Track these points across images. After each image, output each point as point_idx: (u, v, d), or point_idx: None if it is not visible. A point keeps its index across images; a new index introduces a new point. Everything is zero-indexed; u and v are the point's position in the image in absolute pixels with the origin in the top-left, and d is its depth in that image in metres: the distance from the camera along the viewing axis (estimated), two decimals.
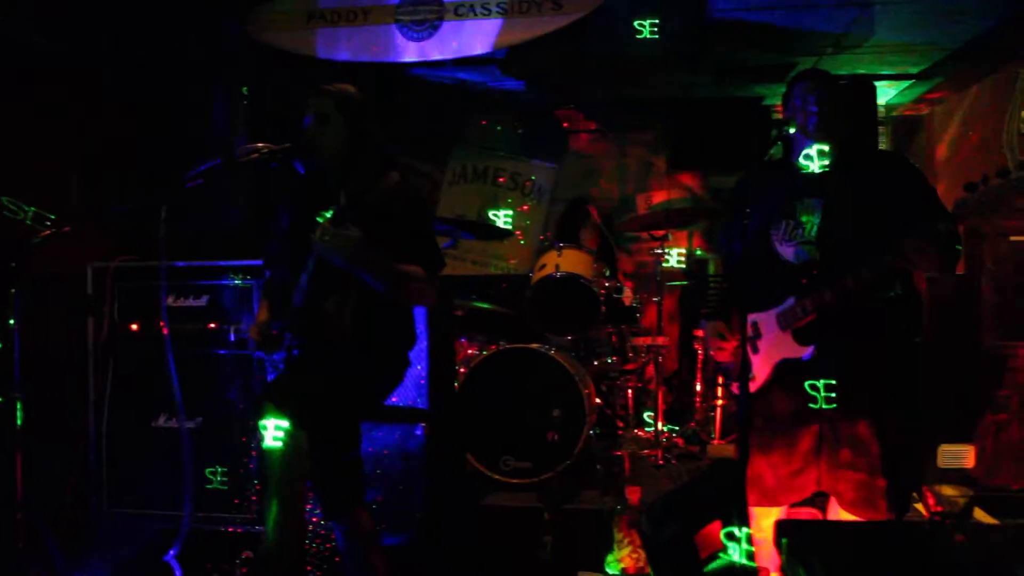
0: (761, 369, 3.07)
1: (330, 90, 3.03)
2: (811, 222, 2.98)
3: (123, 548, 4.00)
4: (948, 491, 1.97)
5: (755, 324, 3.09)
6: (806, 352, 2.95)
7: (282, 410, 2.88)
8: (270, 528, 2.96)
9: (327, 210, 2.87)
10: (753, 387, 3.06)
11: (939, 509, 1.93)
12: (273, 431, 2.88)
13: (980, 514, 4.17)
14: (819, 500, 3.58)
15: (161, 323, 3.99)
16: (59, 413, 4.20)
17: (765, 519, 3.10)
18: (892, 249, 2.72)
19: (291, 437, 2.87)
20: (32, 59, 4.58)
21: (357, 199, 2.95)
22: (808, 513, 3.82)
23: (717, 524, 2.36)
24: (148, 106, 5.05)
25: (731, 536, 2.38)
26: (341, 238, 2.80)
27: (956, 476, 4.45)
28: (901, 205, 2.87)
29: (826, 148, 2.99)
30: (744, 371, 2.69)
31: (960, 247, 2.81)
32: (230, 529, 4.06)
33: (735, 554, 2.35)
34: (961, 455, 4.51)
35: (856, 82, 5.38)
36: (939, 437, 4.53)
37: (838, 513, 3.03)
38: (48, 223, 3.53)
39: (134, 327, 4.20)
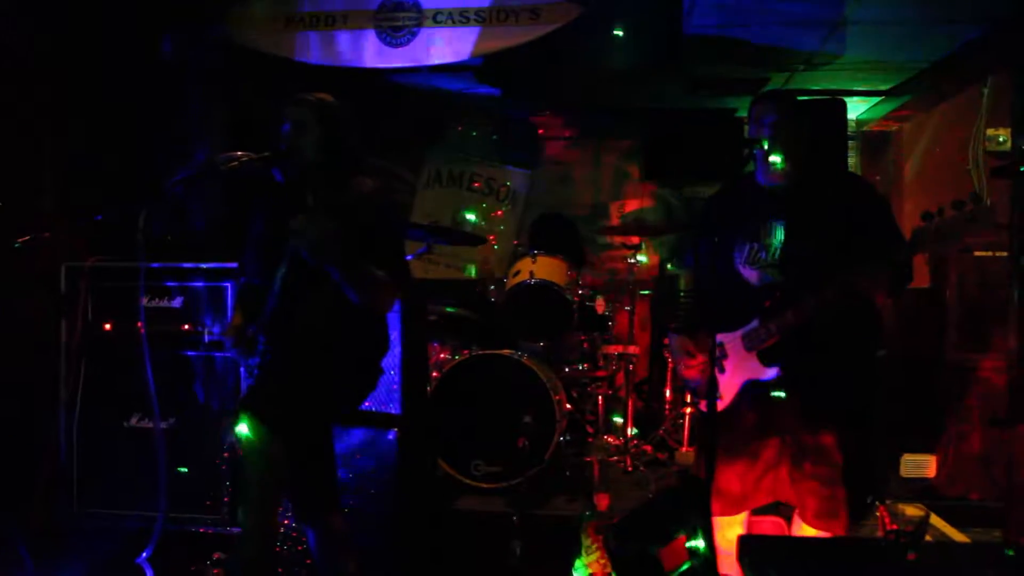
0: (728, 389, 3.12)
1: (308, 99, 3.04)
2: (774, 245, 3.03)
3: (94, 549, 3.98)
4: (903, 509, 2.03)
5: (721, 345, 3.13)
6: (771, 373, 3.00)
7: (259, 418, 2.90)
8: (246, 534, 2.98)
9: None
10: (720, 406, 3.10)
11: (894, 527, 1.99)
12: (250, 439, 2.90)
13: (940, 524, 4.25)
14: (783, 508, 3.66)
15: (139, 324, 4.00)
16: (30, 412, 4.18)
17: (729, 529, 3.15)
18: (851, 273, 2.79)
19: (268, 445, 2.89)
20: (10, 59, 4.56)
21: (331, 204, 2.97)
22: (772, 522, 3.90)
23: (681, 538, 2.41)
24: (126, 107, 5.02)
25: (695, 550, 2.43)
26: (317, 227, 2.81)
27: (918, 485, 4.55)
28: (861, 231, 2.92)
29: (780, 170, 3.03)
30: (712, 391, 2.73)
31: (910, 272, 2.89)
32: (201, 530, 4.07)
33: (699, 566, 2.41)
34: (923, 464, 4.60)
35: (825, 100, 5.45)
36: (902, 447, 4.62)
37: (801, 524, 3.08)
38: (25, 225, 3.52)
39: (107, 327, 4.20)
